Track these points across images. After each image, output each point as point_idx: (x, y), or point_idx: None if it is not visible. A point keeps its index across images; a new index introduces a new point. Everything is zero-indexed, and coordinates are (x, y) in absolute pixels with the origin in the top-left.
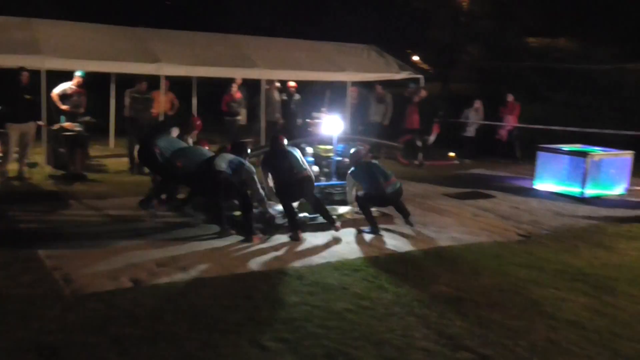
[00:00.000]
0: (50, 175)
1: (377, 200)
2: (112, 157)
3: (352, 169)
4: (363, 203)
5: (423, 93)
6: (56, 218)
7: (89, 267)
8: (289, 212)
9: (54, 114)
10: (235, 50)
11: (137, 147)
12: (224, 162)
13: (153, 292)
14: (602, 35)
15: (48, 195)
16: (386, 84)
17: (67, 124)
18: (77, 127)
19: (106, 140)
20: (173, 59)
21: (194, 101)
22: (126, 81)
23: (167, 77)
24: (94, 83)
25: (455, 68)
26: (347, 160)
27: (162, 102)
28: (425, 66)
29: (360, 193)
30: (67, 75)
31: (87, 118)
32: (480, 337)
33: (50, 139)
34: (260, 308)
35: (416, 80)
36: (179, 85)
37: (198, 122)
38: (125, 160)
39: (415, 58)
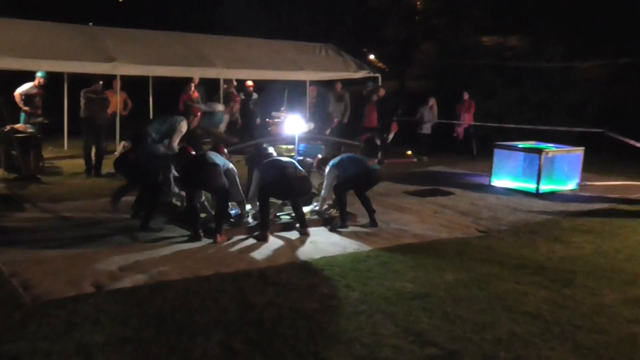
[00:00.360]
0: (2, 178)
1: (364, 180)
2: (66, 158)
3: (334, 161)
4: (342, 191)
5: (382, 92)
6: (10, 223)
7: (49, 272)
8: (264, 211)
9: (7, 115)
10: (193, 50)
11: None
12: (217, 158)
13: (117, 297)
14: (550, 33)
15: (1, 199)
16: (343, 82)
17: (19, 126)
18: (29, 129)
19: (60, 142)
20: (129, 58)
21: (150, 101)
22: (79, 81)
23: (123, 77)
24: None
25: (410, 66)
26: (309, 159)
27: (115, 102)
28: (381, 64)
29: (341, 180)
30: (22, 76)
31: (40, 119)
32: (447, 333)
33: (1, 141)
34: (228, 310)
35: (374, 79)
36: (132, 85)
37: (198, 112)
38: (81, 161)
39: (371, 57)
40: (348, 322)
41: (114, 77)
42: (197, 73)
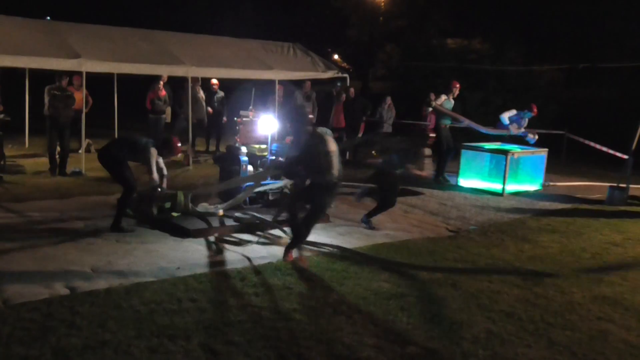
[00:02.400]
0: None
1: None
2: (29, 157)
3: None
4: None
5: (351, 92)
6: None
7: (19, 275)
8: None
9: None
10: (160, 47)
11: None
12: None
13: (92, 299)
14: (511, 37)
15: None
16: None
17: None
18: None
19: (21, 140)
20: (95, 55)
21: (115, 99)
22: (40, 77)
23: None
24: (5, 78)
25: (374, 67)
26: (281, 159)
27: (80, 99)
28: (345, 65)
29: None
30: None
31: (1, 116)
32: (426, 332)
33: None
34: (207, 311)
35: (342, 79)
36: (95, 82)
37: (179, 147)
38: (44, 160)
39: (335, 57)
40: (328, 323)
41: (75, 73)
42: (164, 71)
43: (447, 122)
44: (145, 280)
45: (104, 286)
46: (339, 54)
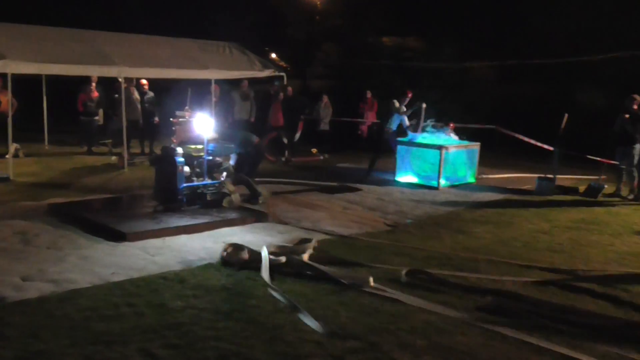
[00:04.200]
0: None
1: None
2: None
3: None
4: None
5: (290, 91)
6: None
7: None
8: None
9: None
10: (91, 47)
11: None
12: None
13: (22, 309)
14: (446, 34)
15: None
16: (248, 81)
17: None
18: None
19: None
20: (21, 56)
21: (44, 101)
22: None
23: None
24: None
25: (312, 65)
26: (218, 159)
27: (3, 103)
28: (283, 64)
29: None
30: None
31: None
32: (366, 325)
33: None
34: (145, 315)
35: (280, 78)
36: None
37: None
38: None
39: (273, 55)
40: (269, 320)
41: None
42: (95, 72)
43: (392, 127)
44: (80, 287)
45: (35, 295)
46: (277, 53)
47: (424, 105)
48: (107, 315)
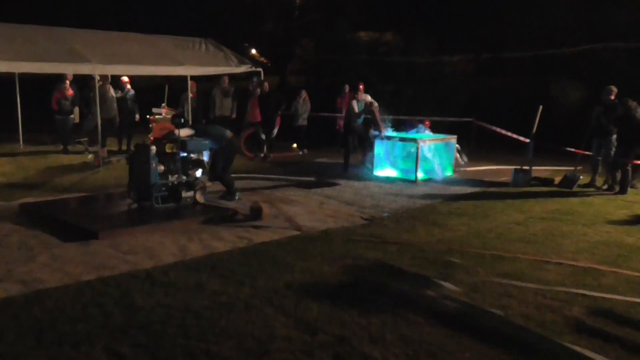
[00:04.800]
0: None
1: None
2: None
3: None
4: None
5: (266, 86)
6: None
7: None
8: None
9: None
10: (64, 45)
11: None
12: None
13: None
14: (421, 29)
15: None
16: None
17: None
18: None
19: None
20: None
21: (18, 99)
22: None
23: None
24: None
25: (291, 61)
26: (193, 156)
27: None
28: (262, 59)
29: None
30: None
31: None
32: (336, 319)
33: None
34: (113, 315)
35: (257, 74)
36: None
37: None
38: None
39: (253, 51)
40: (239, 317)
41: None
42: (69, 69)
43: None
44: (48, 287)
45: (2, 296)
46: (256, 49)
47: (375, 105)
48: (75, 315)
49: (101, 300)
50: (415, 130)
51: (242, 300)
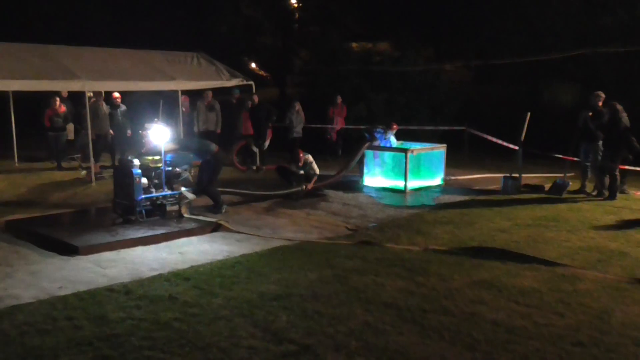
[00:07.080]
0: None
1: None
2: None
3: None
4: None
5: (255, 99)
6: None
7: None
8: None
9: None
10: (54, 62)
11: None
12: None
13: None
14: (415, 39)
15: None
16: (214, 92)
17: None
18: None
19: None
20: None
21: (12, 116)
22: None
23: None
24: None
25: (290, 73)
26: (178, 170)
27: None
28: (262, 72)
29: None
30: None
31: None
32: (304, 329)
33: None
34: (82, 328)
35: (247, 87)
36: None
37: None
38: None
39: (253, 65)
40: (207, 328)
41: None
42: (59, 86)
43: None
44: (22, 302)
45: None
46: (255, 62)
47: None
48: (44, 329)
49: (73, 314)
50: (380, 134)
51: (212, 312)
